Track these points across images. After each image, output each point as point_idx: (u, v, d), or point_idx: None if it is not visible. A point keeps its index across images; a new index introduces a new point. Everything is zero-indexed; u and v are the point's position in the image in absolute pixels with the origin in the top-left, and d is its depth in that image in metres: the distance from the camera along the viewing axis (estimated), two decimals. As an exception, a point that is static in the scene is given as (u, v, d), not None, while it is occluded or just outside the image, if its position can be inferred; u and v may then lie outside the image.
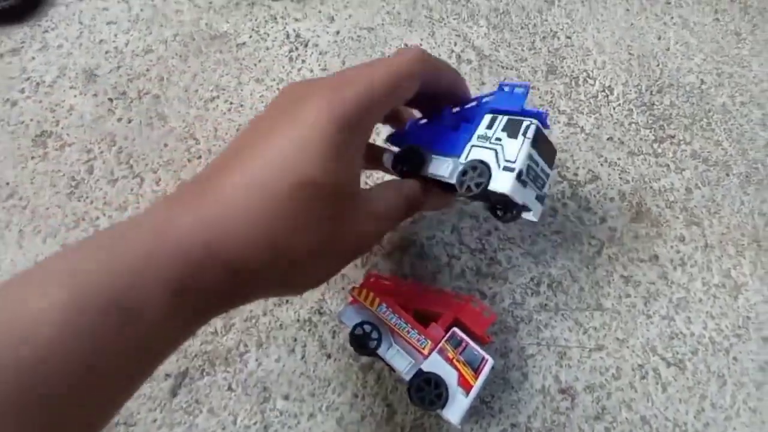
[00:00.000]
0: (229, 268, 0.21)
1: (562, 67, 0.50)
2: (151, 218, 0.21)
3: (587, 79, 0.49)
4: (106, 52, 0.51)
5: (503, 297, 0.39)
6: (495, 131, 0.28)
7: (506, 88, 0.29)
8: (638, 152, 0.45)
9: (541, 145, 0.27)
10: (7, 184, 0.44)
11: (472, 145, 0.28)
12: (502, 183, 0.25)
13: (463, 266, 0.40)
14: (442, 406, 0.28)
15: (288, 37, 0.51)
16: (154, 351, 0.20)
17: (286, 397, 0.36)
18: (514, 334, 0.38)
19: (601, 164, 0.45)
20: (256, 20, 0.53)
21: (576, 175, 0.44)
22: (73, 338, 0.17)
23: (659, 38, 0.52)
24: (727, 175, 0.45)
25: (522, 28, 0.52)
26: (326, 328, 0.38)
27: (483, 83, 0.48)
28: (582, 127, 0.47)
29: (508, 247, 0.41)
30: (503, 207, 0.28)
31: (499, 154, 0.26)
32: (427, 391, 0.28)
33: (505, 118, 0.28)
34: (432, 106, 0.32)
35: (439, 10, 0.53)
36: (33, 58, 0.51)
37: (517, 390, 0.36)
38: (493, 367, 0.30)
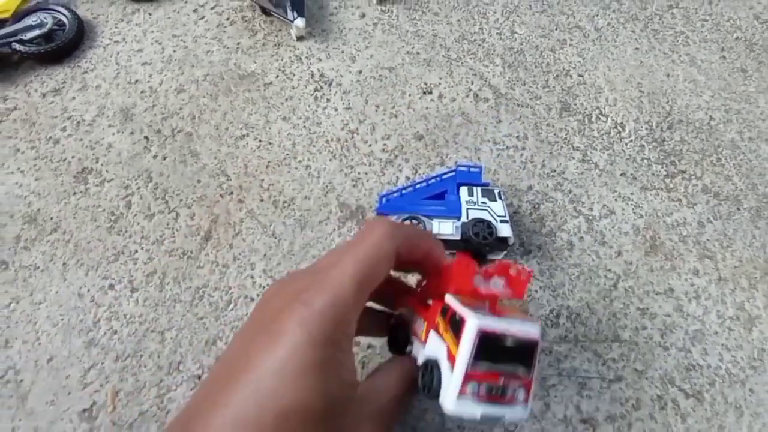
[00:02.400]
0: None
1: (575, 105, 0.52)
2: None
3: (600, 116, 0.51)
4: (142, 92, 0.54)
5: (524, 329, 0.40)
6: (477, 198, 0.42)
7: (463, 168, 0.43)
8: (651, 187, 0.47)
9: (502, 198, 0.42)
10: (51, 218, 0.47)
11: (468, 209, 0.41)
12: (505, 231, 0.40)
13: (484, 299, 0.42)
14: (433, 394, 0.24)
15: (313, 76, 0.54)
16: None
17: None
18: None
19: (615, 199, 0.47)
20: (282, 60, 0.56)
21: (591, 209, 0.46)
22: None
23: (668, 75, 0.54)
24: (738, 209, 0.46)
25: (536, 66, 0.55)
26: (357, 359, 0.39)
27: (500, 121, 0.51)
28: (596, 163, 0.49)
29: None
30: (493, 246, 0.40)
31: (491, 212, 0.41)
32: (428, 378, 0.25)
33: (479, 188, 0.42)
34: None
35: (456, 50, 0.56)
36: (73, 98, 0.54)
37: (540, 420, 0.37)
38: (487, 331, 0.23)
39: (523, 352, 0.24)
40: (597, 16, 0.59)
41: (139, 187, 0.48)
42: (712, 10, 0.58)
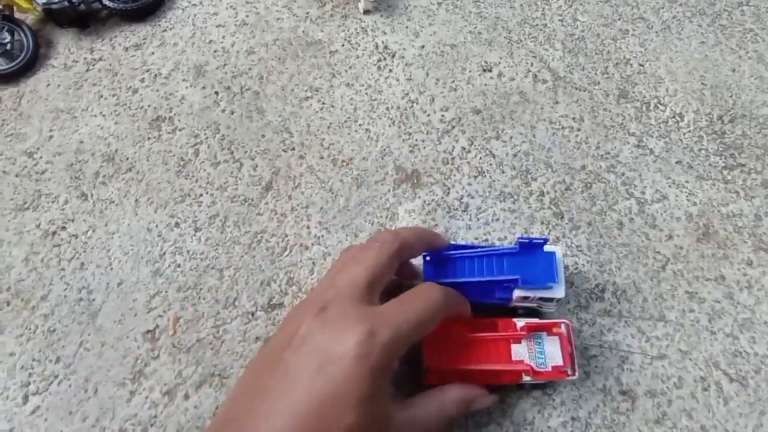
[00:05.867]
0: None
1: (633, 93, 0.52)
2: None
3: (658, 105, 0.51)
4: (215, 51, 0.57)
5: (569, 299, 0.41)
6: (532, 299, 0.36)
7: (526, 284, 0.35)
8: (707, 177, 0.47)
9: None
10: (127, 159, 0.50)
11: (515, 305, 0.37)
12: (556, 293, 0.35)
13: (531, 268, 0.43)
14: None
15: (377, 47, 0.56)
16: None
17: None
18: (578, 334, 0.40)
19: (669, 186, 0.47)
20: (348, 31, 0.58)
21: (643, 193, 0.46)
22: None
23: (734, 70, 0.54)
24: (798, 205, 0.46)
25: (596, 53, 0.55)
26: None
27: (557, 102, 0.51)
28: (651, 149, 0.49)
29: (575, 254, 0.43)
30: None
31: (540, 306, 0.38)
32: None
33: (536, 295, 0.35)
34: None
35: (517, 32, 0.57)
36: (152, 53, 0.58)
37: (579, 387, 0.38)
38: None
39: None
40: (663, 8, 0.58)
41: (207, 137, 0.51)
42: (785, 9, 0.57)
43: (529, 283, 0.34)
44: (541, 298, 0.35)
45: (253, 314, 0.42)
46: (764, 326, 0.40)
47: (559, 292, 0.34)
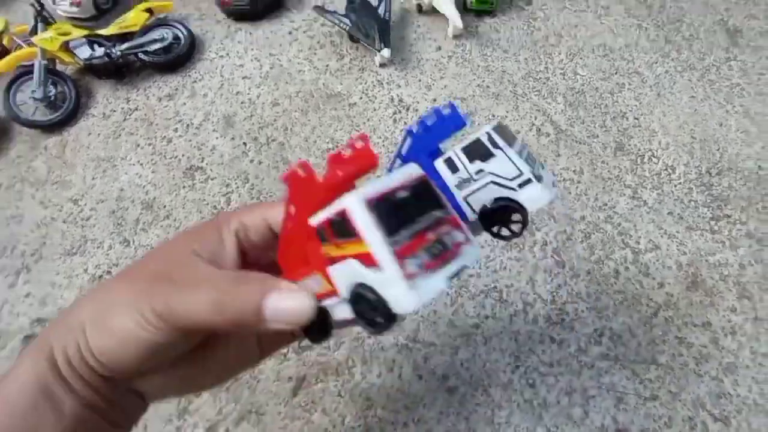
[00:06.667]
0: None
1: (629, 145, 0.57)
2: None
3: (652, 157, 0.56)
4: (242, 102, 0.62)
5: (570, 343, 0.46)
6: (465, 167, 0.23)
7: (418, 128, 0.24)
8: (696, 228, 0.52)
9: (503, 134, 0.23)
10: (164, 206, 0.55)
11: (464, 197, 0.24)
12: (538, 198, 0.22)
13: (536, 313, 0.47)
14: (387, 315, 0.19)
15: (392, 101, 0.61)
16: None
17: (384, 407, 0.43)
18: (578, 375, 0.44)
19: (661, 236, 0.51)
20: (365, 84, 0.62)
21: (638, 243, 0.51)
22: None
23: (721, 125, 0.58)
24: (778, 255, 0.50)
25: (595, 107, 0.60)
26: (419, 354, 0.45)
27: (558, 155, 0.56)
28: (645, 201, 0.53)
29: (575, 300, 0.48)
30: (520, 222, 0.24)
31: (498, 181, 0.23)
32: (365, 306, 0.19)
33: (459, 151, 0.23)
34: None
35: (522, 86, 0.62)
36: (184, 104, 0.62)
37: (579, 425, 0.42)
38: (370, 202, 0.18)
39: (423, 196, 0.20)
40: (656, 63, 0.63)
41: (237, 186, 0.56)
42: (769, 65, 0.62)
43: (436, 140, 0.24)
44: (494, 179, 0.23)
45: (285, 355, 0.46)
46: (746, 370, 0.44)
47: (536, 194, 0.22)
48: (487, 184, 0.23)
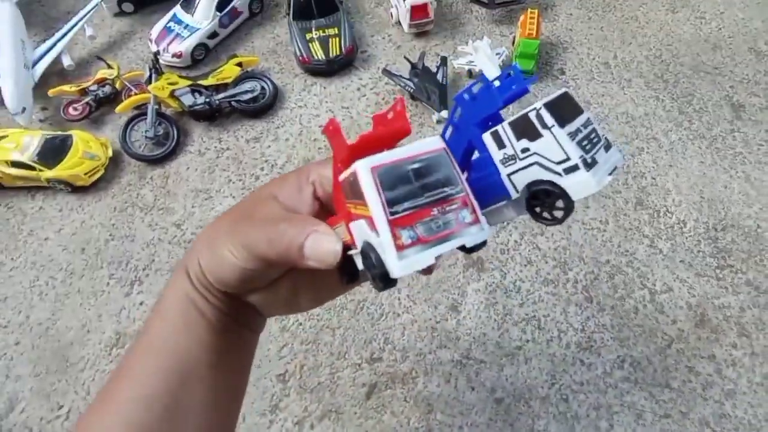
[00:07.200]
0: None
1: (647, 201, 0.67)
2: None
3: (667, 212, 0.66)
4: (319, 148, 0.73)
5: (597, 366, 0.55)
6: (512, 145, 0.22)
7: (466, 96, 0.23)
8: (703, 275, 0.61)
9: (559, 111, 0.21)
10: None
11: (509, 174, 0.22)
12: (583, 187, 0.20)
13: (568, 340, 0.57)
14: (382, 276, 0.19)
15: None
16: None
17: (443, 412, 0.53)
18: (604, 394, 0.53)
19: (674, 280, 0.61)
20: (423, 135, 0.73)
21: (654, 285, 0.61)
22: None
23: (725, 187, 0.68)
24: (773, 302, 0.59)
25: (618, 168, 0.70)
26: (472, 369, 0.55)
27: (588, 206, 0.66)
28: (660, 249, 0.63)
29: (602, 330, 0.57)
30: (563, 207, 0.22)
31: (544, 164, 0.21)
32: (370, 263, 0.20)
33: (506, 126, 0.21)
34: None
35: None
36: (269, 146, 0.73)
37: (605, 436, 0.51)
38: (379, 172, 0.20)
39: (437, 170, 0.20)
40: (671, 131, 0.74)
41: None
42: (768, 137, 0.73)
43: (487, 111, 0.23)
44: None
45: (359, 365, 0.56)
46: (743, 396, 0.53)
47: (582, 181, 0.20)
48: (532, 165, 0.21)
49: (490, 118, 0.23)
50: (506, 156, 0.22)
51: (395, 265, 0.18)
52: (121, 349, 0.58)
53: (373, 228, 0.19)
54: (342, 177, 0.21)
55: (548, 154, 0.21)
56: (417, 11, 0.81)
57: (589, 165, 0.20)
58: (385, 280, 0.19)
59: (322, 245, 0.22)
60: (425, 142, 0.21)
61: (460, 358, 0.56)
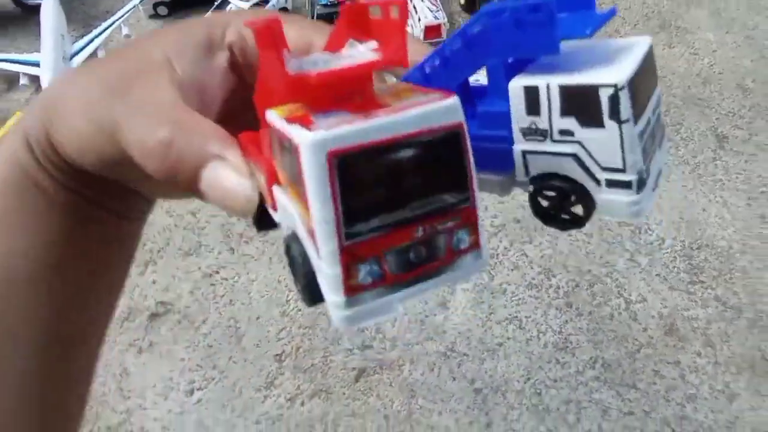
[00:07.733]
0: None
1: (629, 218, 0.72)
2: None
3: (648, 230, 0.71)
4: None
5: (570, 366, 0.59)
6: (549, 117, 0.15)
7: (507, 15, 0.14)
8: (676, 288, 0.66)
9: (638, 91, 0.14)
10: (263, 226, 0.70)
11: (523, 151, 0.15)
12: (616, 209, 0.15)
13: (546, 340, 0.61)
14: (310, 297, 0.12)
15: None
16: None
17: (424, 398, 0.57)
18: (575, 391, 0.58)
19: (649, 292, 0.65)
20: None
21: (630, 295, 0.65)
22: None
23: (703, 210, 0.73)
24: (738, 317, 0.64)
25: (605, 184, 0.76)
26: (455, 361, 0.59)
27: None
28: (639, 263, 0.68)
29: (578, 333, 0.62)
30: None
31: (585, 161, 0.15)
32: (294, 269, 0.13)
33: (554, 85, 0.14)
34: None
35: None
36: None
37: (572, 428, 0.55)
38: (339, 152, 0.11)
39: (438, 163, 0.12)
40: (656, 154, 0.79)
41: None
42: (747, 167, 0.77)
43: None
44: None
45: (350, 350, 0.61)
46: (704, 401, 0.57)
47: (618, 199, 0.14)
48: (567, 155, 0.15)
49: (521, 63, 0.16)
50: (533, 128, 0.15)
51: (341, 315, 0.11)
52: (131, 323, 0.63)
53: (312, 240, 0.12)
54: (272, 122, 0.13)
55: (598, 153, 0.14)
56: (430, 31, 0.87)
57: (641, 183, 0.14)
58: (314, 299, 0.12)
59: (226, 183, 0.14)
60: (432, 109, 0.11)
61: (445, 350, 0.60)
